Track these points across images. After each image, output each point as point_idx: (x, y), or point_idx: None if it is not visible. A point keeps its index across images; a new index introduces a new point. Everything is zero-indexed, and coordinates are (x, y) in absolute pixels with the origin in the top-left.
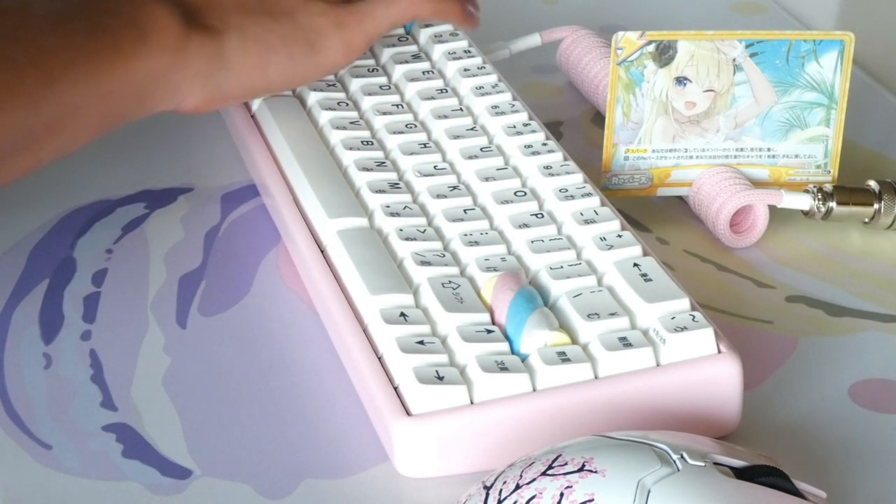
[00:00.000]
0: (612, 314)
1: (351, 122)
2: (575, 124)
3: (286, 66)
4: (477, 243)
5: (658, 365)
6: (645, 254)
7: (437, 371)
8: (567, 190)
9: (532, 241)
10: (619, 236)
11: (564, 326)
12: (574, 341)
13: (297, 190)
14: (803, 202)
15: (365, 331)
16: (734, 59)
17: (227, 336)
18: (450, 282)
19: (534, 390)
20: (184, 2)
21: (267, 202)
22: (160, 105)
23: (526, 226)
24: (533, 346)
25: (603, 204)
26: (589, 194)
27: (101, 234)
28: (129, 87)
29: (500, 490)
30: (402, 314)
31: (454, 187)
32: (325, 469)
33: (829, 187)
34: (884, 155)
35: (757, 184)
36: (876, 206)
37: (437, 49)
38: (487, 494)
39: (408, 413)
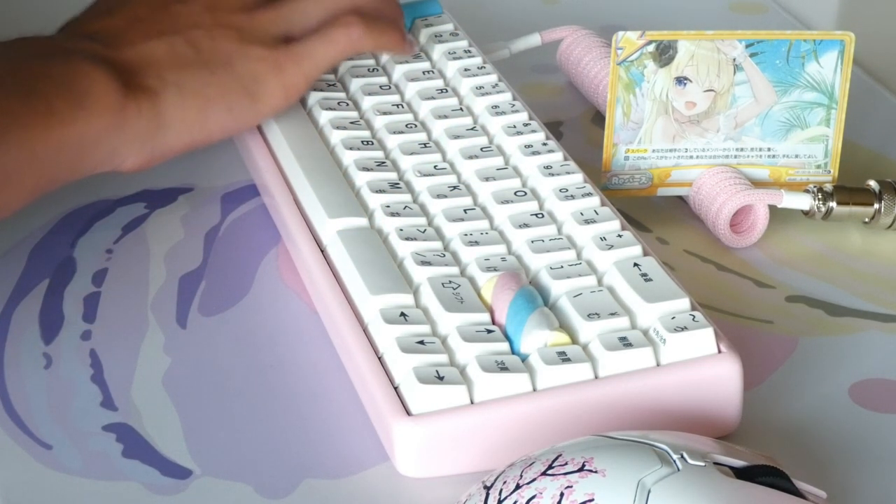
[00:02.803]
0: (613, 314)
1: (351, 122)
2: (575, 124)
3: (226, 117)
4: (477, 243)
5: (658, 365)
6: (645, 254)
7: (437, 371)
8: (567, 190)
9: (532, 241)
10: (620, 236)
11: (564, 326)
12: (574, 341)
13: (297, 190)
14: (803, 202)
15: (365, 331)
16: (734, 59)
17: (227, 336)
18: (450, 282)
19: (534, 390)
20: (119, 62)
21: (267, 202)
22: (97, 168)
23: (526, 226)
24: (533, 345)
25: (603, 204)
26: (589, 194)
27: (101, 234)
28: (65, 153)
29: (501, 490)
30: (402, 314)
31: (454, 187)
32: (325, 469)
33: (829, 187)
34: (884, 155)
35: (757, 184)
36: (876, 206)
37: (437, 49)
38: (487, 494)
39: (408, 413)
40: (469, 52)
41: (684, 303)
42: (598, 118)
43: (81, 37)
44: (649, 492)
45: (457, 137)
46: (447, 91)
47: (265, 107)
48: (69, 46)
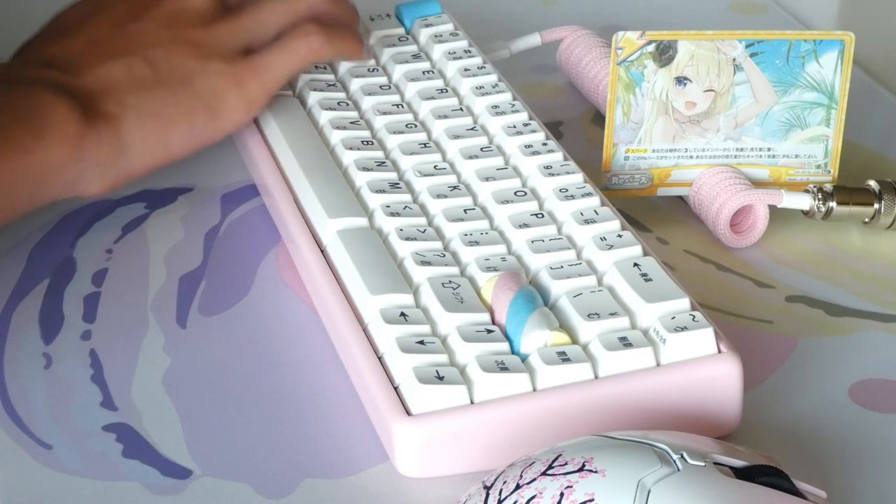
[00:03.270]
0: (613, 314)
1: (351, 122)
2: (575, 124)
3: (188, 136)
4: (477, 243)
5: (658, 365)
6: (645, 254)
7: (437, 371)
8: (567, 190)
9: (532, 241)
10: (620, 236)
11: (564, 326)
12: (574, 341)
13: (297, 190)
14: (803, 202)
15: (365, 331)
16: (734, 59)
17: (227, 336)
18: (450, 282)
19: (534, 390)
20: (78, 89)
21: (267, 202)
22: (58, 196)
23: (526, 226)
24: (533, 345)
25: (603, 204)
26: (589, 194)
27: (101, 234)
28: (25, 183)
29: (501, 490)
30: (402, 314)
31: (454, 187)
32: (325, 469)
33: (829, 187)
34: (884, 155)
35: (757, 184)
36: (876, 206)
37: (437, 49)
38: (487, 494)
39: (408, 413)
40: (469, 52)
41: (684, 303)
42: (598, 118)
43: (38, 63)
44: (649, 492)
45: (457, 137)
46: (447, 91)
47: (227, 122)
48: (27, 75)
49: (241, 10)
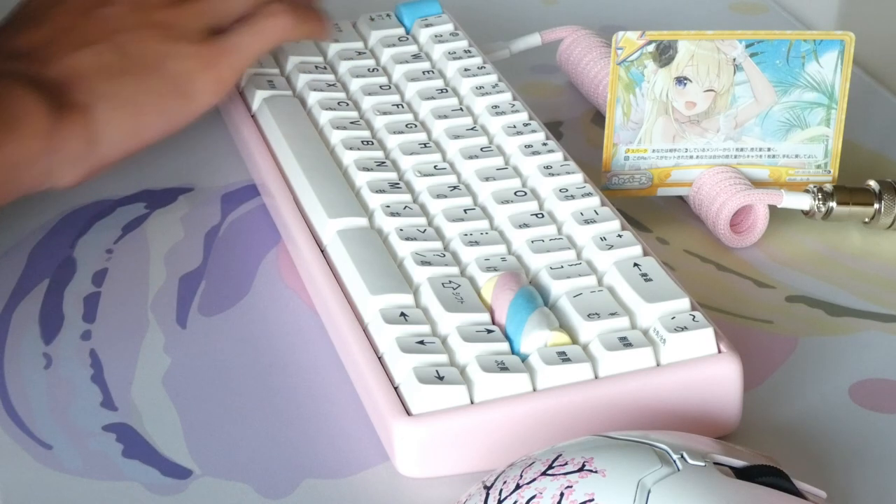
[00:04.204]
0: (613, 314)
1: (351, 122)
2: (575, 124)
3: (160, 121)
4: (477, 243)
5: (658, 365)
6: (645, 254)
7: (437, 371)
8: (567, 190)
9: (532, 241)
10: (620, 236)
11: (564, 326)
12: (574, 341)
13: (297, 190)
14: (803, 202)
15: (365, 331)
16: (734, 59)
17: (227, 336)
18: (450, 282)
19: (534, 390)
20: (47, 80)
21: (267, 202)
22: (32, 189)
23: (526, 226)
24: (533, 345)
25: (603, 204)
26: (589, 194)
27: (101, 234)
28: None
29: (501, 490)
30: (402, 314)
31: (454, 187)
32: (325, 469)
33: (829, 187)
34: (884, 155)
35: (757, 184)
36: (876, 206)
37: (437, 49)
38: (487, 494)
39: (408, 413)
40: (469, 52)
41: (684, 303)
42: (598, 118)
43: (5, 55)
44: (649, 492)
45: (457, 137)
46: (447, 91)
47: (198, 105)
48: None
49: None
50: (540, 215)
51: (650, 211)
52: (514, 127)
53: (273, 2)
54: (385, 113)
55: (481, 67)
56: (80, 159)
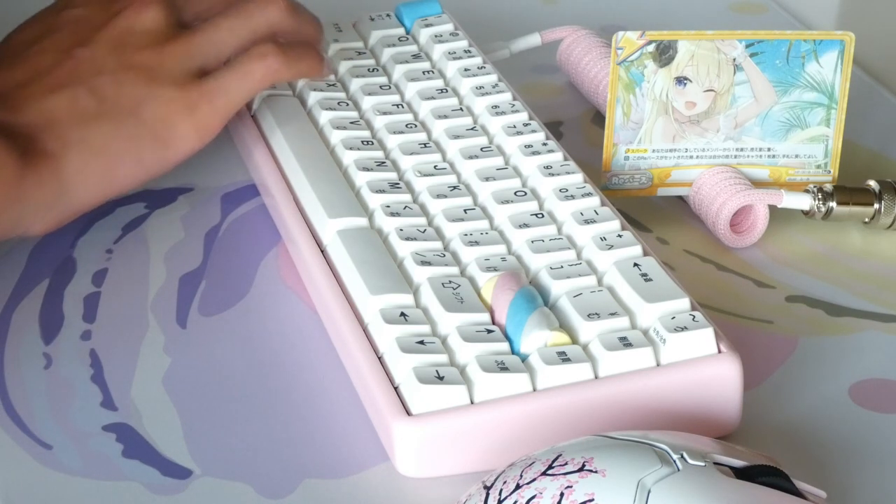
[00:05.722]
0: (613, 314)
1: (351, 122)
2: (575, 124)
3: (136, 169)
4: (477, 243)
5: (658, 365)
6: (645, 254)
7: (437, 371)
8: (567, 190)
9: (532, 241)
10: (620, 236)
11: (564, 326)
12: (574, 341)
13: (297, 190)
14: (803, 202)
15: (365, 331)
16: (734, 59)
17: (227, 336)
18: (450, 282)
19: (534, 390)
20: (17, 128)
21: (267, 202)
22: (0, 237)
23: (526, 226)
24: (533, 345)
25: (603, 204)
26: (589, 194)
27: (101, 234)
28: None
29: (501, 490)
30: (402, 314)
31: (454, 187)
32: (325, 469)
33: (829, 187)
34: (884, 155)
35: (757, 184)
36: (876, 206)
37: (437, 49)
38: (487, 494)
39: (408, 413)
40: (469, 52)
41: (684, 303)
42: (598, 118)
43: None
44: (649, 492)
45: (457, 137)
46: (447, 91)
47: (177, 152)
48: None
49: (196, 29)
50: (540, 215)
51: (650, 211)
52: (514, 127)
53: (263, 42)
54: (385, 113)
55: (481, 67)
56: (50, 207)
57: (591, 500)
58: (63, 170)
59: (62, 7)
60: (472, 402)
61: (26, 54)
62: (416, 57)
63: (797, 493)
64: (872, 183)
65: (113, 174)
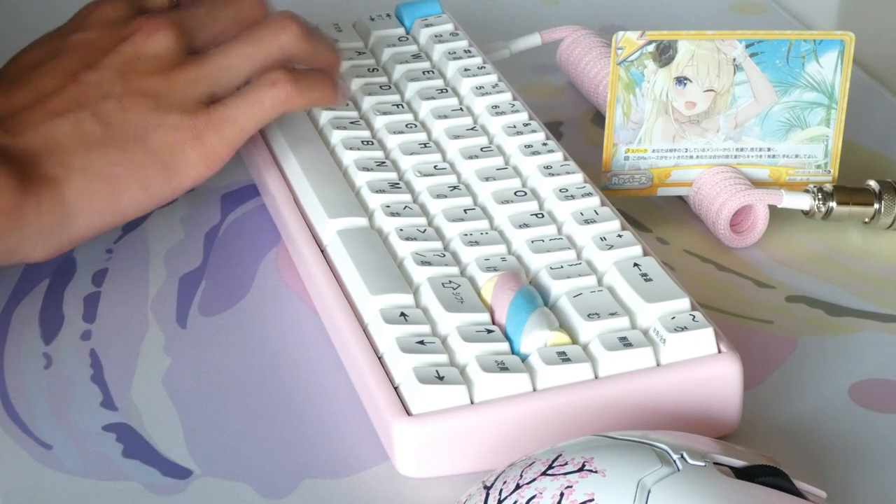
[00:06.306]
0: (613, 314)
1: (351, 122)
2: (575, 124)
3: (140, 196)
4: (477, 243)
5: (658, 365)
6: (645, 254)
7: (437, 371)
8: (567, 190)
9: (532, 241)
10: (620, 236)
11: (564, 326)
12: (574, 341)
13: (297, 190)
14: (803, 202)
15: (365, 331)
16: (734, 59)
17: (227, 336)
18: (450, 282)
19: (534, 390)
20: (18, 151)
21: (267, 202)
22: None
23: (526, 226)
24: (533, 345)
25: (603, 204)
26: (589, 194)
27: (101, 234)
28: None
29: (501, 490)
30: (402, 314)
31: (454, 187)
32: (325, 469)
33: (829, 187)
34: (884, 155)
35: (757, 184)
36: (876, 206)
37: (437, 49)
38: (487, 494)
39: (408, 413)
40: (469, 52)
41: (684, 303)
42: (598, 118)
43: None
44: (649, 492)
45: (457, 137)
46: (447, 91)
47: (184, 180)
48: None
49: (206, 55)
50: (540, 215)
51: (650, 211)
52: (514, 127)
53: (275, 69)
54: (385, 113)
55: (481, 67)
56: (51, 235)
57: (591, 500)
58: (65, 197)
59: (71, 30)
60: (472, 402)
61: (30, 77)
62: (416, 57)
63: (797, 493)
64: (872, 183)
65: (117, 202)
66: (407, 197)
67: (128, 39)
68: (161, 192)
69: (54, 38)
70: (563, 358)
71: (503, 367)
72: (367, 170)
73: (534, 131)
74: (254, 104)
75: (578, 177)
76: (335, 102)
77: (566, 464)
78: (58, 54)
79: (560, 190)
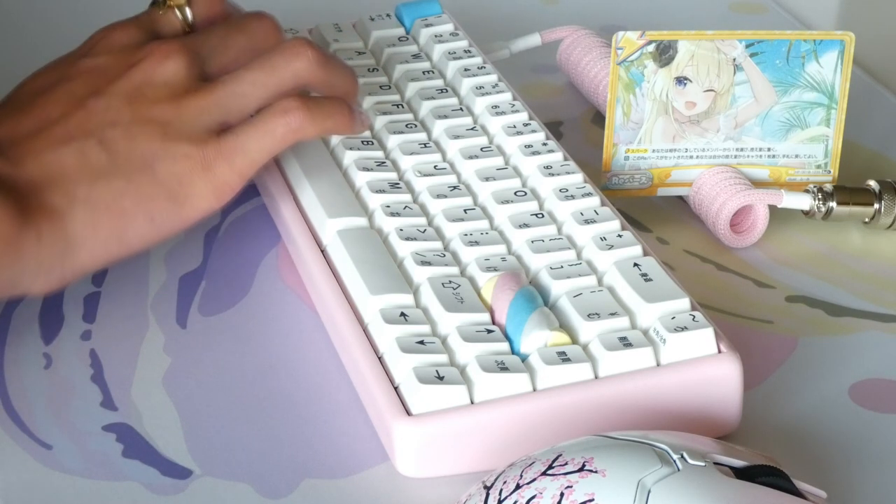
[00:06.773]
0: (613, 314)
1: None
2: (575, 124)
3: (147, 228)
4: (477, 243)
5: (658, 365)
6: (645, 254)
7: (437, 371)
8: (567, 190)
9: (532, 241)
10: (620, 236)
11: (564, 326)
12: (574, 341)
13: (297, 190)
14: (803, 202)
15: (365, 331)
16: (734, 59)
17: (227, 336)
18: (450, 282)
19: (534, 390)
20: (20, 181)
21: (267, 202)
22: None
23: (526, 226)
24: (533, 345)
25: (603, 204)
26: (589, 194)
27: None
28: None
29: (501, 490)
30: (402, 314)
31: (454, 187)
32: (325, 469)
33: (829, 187)
34: (884, 155)
35: (757, 184)
36: (876, 206)
37: (437, 49)
38: (487, 494)
39: (408, 413)
40: (469, 52)
41: (684, 303)
42: (598, 118)
43: None
44: (649, 492)
45: (457, 137)
46: (447, 91)
47: (193, 211)
48: None
49: (218, 82)
50: (540, 215)
51: (650, 211)
52: (514, 127)
53: (288, 97)
54: (385, 113)
55: (481, 67)
56: (53, 267)
57: (591, 500)
58: (68, 228)
59: (81, 55)
60: (472, 402)
61: (36, 103)
62: (416, 57)
63: (797, 493)
64: (872, 183)
65: (122, 233)
66: (407, 197)
67: (138, 65)
68: (168, 223)
69: (64, 63)
70: (563, 358)
71: (503, 367)
72: (367, 170)
73: (534, 131)
74: (265, 133)
75: (578, 177)
76: (352, 131)
77: (566, 464)
78: (66, 80)
79: (560, 190)
